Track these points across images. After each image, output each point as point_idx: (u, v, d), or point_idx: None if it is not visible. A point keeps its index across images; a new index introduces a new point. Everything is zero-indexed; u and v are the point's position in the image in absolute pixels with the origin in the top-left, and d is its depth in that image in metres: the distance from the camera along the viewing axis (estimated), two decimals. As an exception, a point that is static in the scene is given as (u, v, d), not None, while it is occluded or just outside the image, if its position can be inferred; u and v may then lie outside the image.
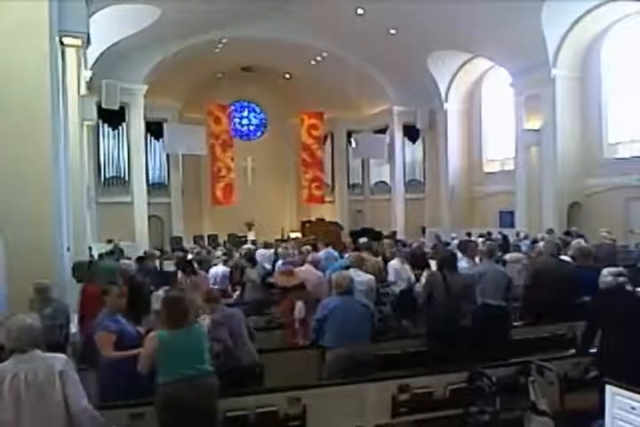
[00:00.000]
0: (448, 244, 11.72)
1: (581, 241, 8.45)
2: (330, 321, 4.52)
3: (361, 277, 5.78)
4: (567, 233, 11.71)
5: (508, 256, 8.29)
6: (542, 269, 6.14)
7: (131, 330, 4.21)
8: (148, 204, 18.36)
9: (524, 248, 9.96)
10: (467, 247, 7.20)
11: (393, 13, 15.12)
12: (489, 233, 13.63)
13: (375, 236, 15.76)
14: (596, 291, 4.35)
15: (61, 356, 2.98)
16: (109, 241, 14.33)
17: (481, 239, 11.04)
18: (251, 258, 8.27)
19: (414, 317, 5.90)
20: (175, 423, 3.42)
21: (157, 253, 10.43)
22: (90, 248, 12.41)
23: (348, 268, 5.99)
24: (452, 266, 5.34)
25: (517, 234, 13.08)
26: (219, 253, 10.30)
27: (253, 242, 14.67)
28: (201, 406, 3.48)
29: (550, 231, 12.41)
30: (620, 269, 4.36)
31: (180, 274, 7.13)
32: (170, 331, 3.59)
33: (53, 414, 2.80)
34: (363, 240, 9.24)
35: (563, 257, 6.73)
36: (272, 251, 10.95)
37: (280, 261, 8.90)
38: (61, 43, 8.36)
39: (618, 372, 3.31)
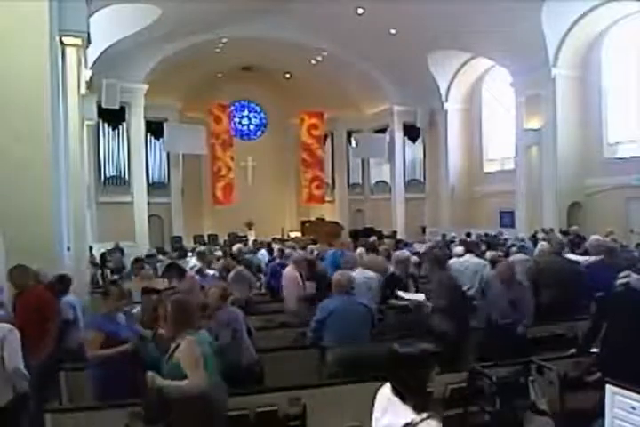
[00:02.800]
0: (452, 241, 11.73)
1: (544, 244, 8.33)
2: (330, 322, 4.47)
3: (369, 274, 5.91)
4: (565, 233, 11.67)
5: (511, 258, 8.25)
6: (546, 268, 6.16)
7: (126, 332, 4.12)
8: (148, 203, 18.34)
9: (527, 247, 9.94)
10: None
11: (393, 13, 15.12)
12: (494, 235, 13.53)
13: (376, 236, 15.75)
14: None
15: (6, 325, 3.62)
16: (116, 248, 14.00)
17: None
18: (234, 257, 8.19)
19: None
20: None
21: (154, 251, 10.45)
22: (90, 248, 12.42)
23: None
24: (443, 265, 5.43)
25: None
26: (219, 252, 10.29)
27: (254, 242, 14.66)
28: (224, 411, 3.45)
29: (550, 231, 12.41)
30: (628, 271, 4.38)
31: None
32: (197, 336, 3.36)
33: None
34: (372, 239, 9.26)
35: (569, 255, 6.75)
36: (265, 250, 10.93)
37: (277, 260, 8.90)
38: (61, 42, 8.37)
39: (620, 371, 3.31)
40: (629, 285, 4.20)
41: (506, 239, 12.69)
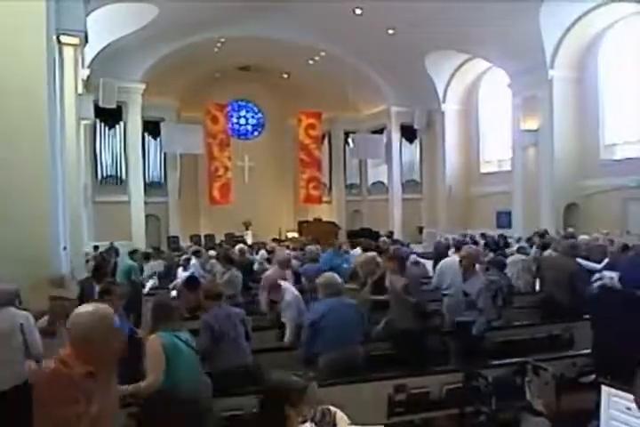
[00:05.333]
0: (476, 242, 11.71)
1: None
2: (322, 326, 4.29)
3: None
4: (541, 235, 11.61)
5: (510, 259, 8.28)
6: (545, 267, 6.28)
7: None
8: (145, 203, 18.33)
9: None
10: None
11: (391, 13, 15.14)
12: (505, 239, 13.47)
13: (372, 236, 15.76)
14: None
15: (24, 313, 4.00)
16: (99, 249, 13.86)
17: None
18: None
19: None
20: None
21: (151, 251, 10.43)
22: (97, 247, 12.45)
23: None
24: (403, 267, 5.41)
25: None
26: (212, 252, 10.22)
27: (250, 245, 14.61)
28: (205, 406, 3.49)
29: (546, 233, 12.42)
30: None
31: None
32: (167, 332, 3.48)
33: (14, 355, 3.80)
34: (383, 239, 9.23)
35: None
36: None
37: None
38: (59, 41, 8.36)
39: (611, 372, 3.32)
40: (605, 285, 4.23)
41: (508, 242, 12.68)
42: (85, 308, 2.24)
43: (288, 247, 10.78)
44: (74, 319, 2.19)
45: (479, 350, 4.86)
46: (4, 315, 3.96)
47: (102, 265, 6.88)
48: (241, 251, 9.09)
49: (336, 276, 4.73)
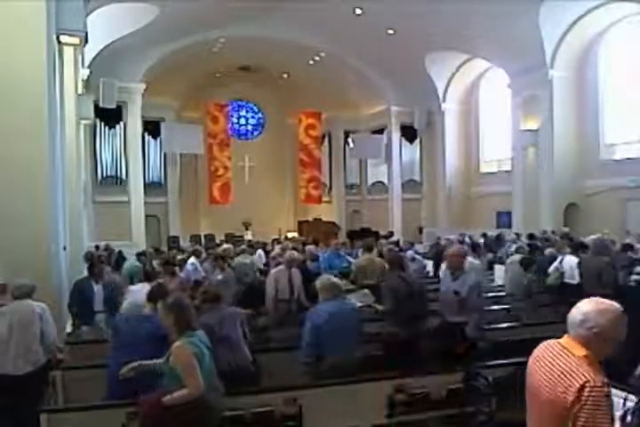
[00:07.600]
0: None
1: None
2: (325, 330, 4.21)
3: None
4: (531, 237, 11.61)
5: (509, 259, 8.28)
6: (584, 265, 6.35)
7: None
8: (145, 203, 18.33)
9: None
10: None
11: (391, 14, 15.14)
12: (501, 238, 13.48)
13: (372, 236, 15.76)
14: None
15: (41, 304, 4.45)
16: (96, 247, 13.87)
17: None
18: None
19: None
20: None
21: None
22: (97, 247, 12.46)
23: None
24: (401, 266, 5.42)
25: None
26: (203, 254, 10.14)
27: (249, 242, 14.60)
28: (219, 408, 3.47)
29: (544, 233, 12.46)
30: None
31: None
32: (191, 338, 3.32)
33: (32, 343, 4.30)
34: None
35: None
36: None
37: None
38: (59, 41, 8.37)
39: (618, 369, 3.31)
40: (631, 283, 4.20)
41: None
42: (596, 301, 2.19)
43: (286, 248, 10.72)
44: (588, 310, 2.16)
45: (478, 350, 4.85)
46: (25, 306, 4.39)
47: (95, 264, 6.81)
48: (224, 251, 8.96)
49: (333, 278, 4.66)
